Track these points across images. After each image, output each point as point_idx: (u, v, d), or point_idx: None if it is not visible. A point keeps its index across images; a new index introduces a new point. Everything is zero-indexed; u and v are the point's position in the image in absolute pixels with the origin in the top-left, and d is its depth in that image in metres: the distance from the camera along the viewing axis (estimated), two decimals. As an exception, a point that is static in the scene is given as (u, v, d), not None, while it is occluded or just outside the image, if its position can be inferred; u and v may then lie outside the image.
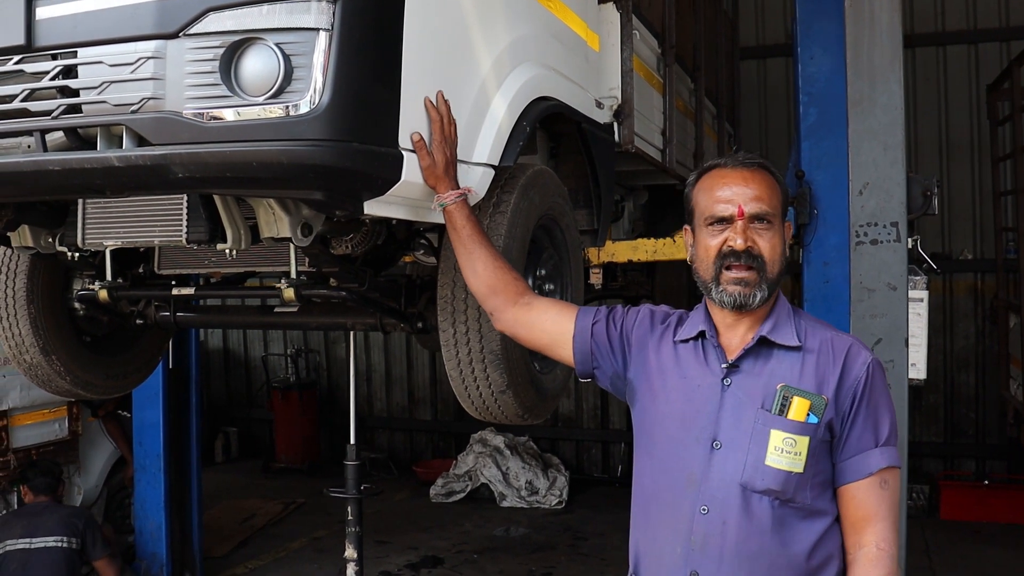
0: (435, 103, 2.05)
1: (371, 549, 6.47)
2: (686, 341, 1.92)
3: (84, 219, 2.47)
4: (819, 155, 3.72)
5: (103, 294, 2.91)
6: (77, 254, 2.70)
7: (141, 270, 3.03)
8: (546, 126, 3.03)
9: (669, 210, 4.86)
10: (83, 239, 2.48)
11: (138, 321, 3.24)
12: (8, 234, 2.64)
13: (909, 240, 3.84)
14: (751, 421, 1.78)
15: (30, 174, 1.93)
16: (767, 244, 1.81)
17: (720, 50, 5.91)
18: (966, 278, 7.91)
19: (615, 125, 3.41)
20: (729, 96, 6.30)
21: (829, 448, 1.79)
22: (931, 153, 7.98)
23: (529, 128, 2.51)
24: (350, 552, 3.72)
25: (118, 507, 6.32)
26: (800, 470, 1.75)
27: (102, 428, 6.09)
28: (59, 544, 4.63)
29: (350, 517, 3.72)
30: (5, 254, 3.00)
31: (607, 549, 6.58)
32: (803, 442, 1.75)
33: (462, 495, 8.18)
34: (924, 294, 3.78)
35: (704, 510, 1.79)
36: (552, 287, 2.76)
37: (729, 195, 1.82)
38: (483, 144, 2.32)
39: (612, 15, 3.44)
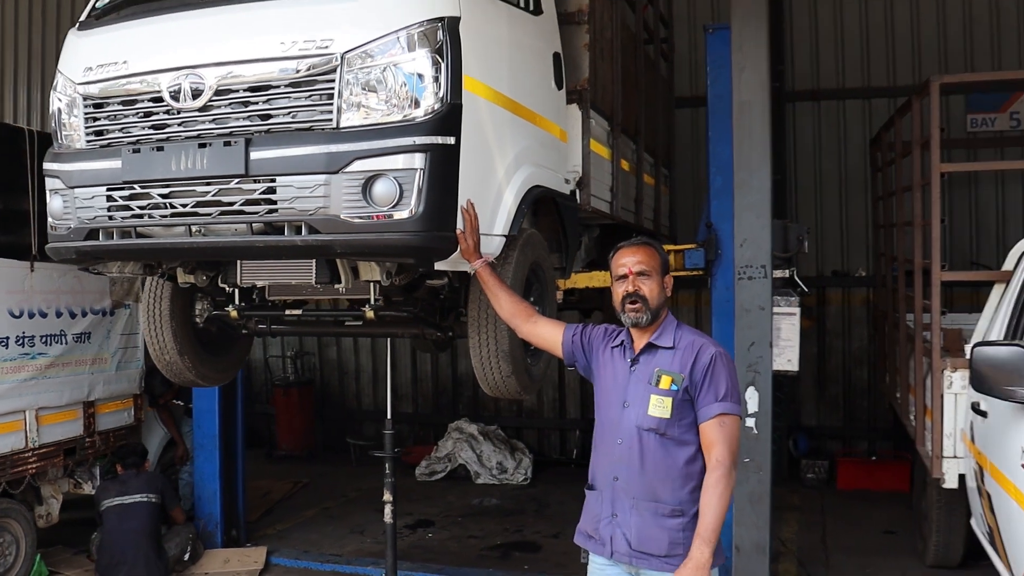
0: (467, 208, 3.38)
1: (375, 515, 7.82)
2: (616, 346, 3.25)
3: (242, 266, 3.82)
4: (723, 212, 5.21)
5: (234, 313, 4.24)
6: (210, 285, 4.04)
7: (255, 296, 4.38)
8: (531, 199, 4.43)
9: (616, 242, 6.22)
10: (241, 279, 3.82)
11: (243, 331, 4.59)
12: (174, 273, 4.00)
13: (787, 271, 5.39)
14: (643, 390, 2.95)
15: (243, 248, 3.32)
16: (648, 289, 3.00)
17: (658, 108, 7.19)
18: (861, 291, 9.54)
19: (577, 192, 4.82)
20: (665, 144, 7.56)
21: (692, 404, 2.89)
22: (832, 187, 9.60)
23: (526, 208, 3.93)
24: (387, 496, 5.10)
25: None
26: (668, 416, 2.88)
27: (156, 416, 7.36)
28: (145, 499, 5.96)
29: (387, 471, 5.09)
30: (153, 284, 4.32)
31: (566, 514, 7.98)
32: (667, 401, 2.89)
33: (443, 474, 9.59)
34: (797, 310, 5.31)
35: (619, 441, 2.97)
36: (538, 308, 4.16)
37: (624, 261, 3.05)
38: (500, 222, 3.71)
39: (576, 112, 4.75)
